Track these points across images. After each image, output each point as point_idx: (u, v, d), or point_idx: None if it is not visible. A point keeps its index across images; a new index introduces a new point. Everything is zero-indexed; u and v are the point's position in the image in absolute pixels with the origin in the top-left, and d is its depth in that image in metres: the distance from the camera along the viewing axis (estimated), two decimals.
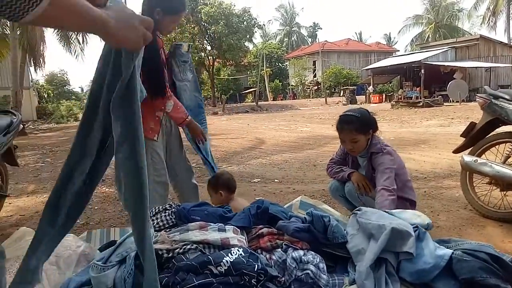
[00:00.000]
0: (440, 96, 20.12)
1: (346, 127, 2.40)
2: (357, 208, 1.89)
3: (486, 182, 2.98)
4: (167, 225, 1.77)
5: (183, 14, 2.45)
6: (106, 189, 4.47)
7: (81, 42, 20.30)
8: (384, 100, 26.36)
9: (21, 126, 3.37)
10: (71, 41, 20.33)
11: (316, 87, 38.81)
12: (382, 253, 1.49)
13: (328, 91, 34.63)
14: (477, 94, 3.05)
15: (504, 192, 2.91)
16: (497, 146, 3.04)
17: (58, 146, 9.53)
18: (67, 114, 22.62)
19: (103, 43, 1.10)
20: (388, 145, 2.52)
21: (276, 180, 4.70)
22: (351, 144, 2.43)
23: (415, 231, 1.53)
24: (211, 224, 1.66)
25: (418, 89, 22.54)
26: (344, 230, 1.77)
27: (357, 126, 2.37)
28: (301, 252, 1.60)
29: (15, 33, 14.88)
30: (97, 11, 0.84)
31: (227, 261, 1.33)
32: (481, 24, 37.05)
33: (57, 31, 18.60)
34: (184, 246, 1.47)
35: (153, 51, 2.21)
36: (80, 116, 25.11)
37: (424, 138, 7.92)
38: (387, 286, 1.39)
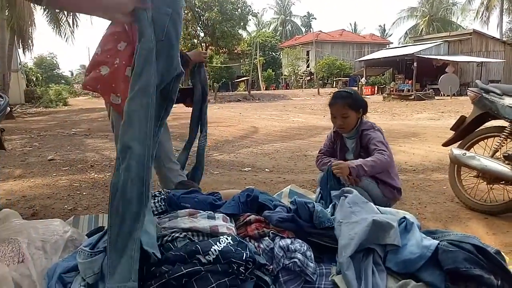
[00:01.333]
0: (432, 90, 20.26)
1: (339, 101, 2.50)
2: (344, 192, 1.90)
3: (474, 176, 3.02)
4: (156, 212, 1.76)
5: None
6: (95, 175, 4.43)
7: (71, 24, 19.83)
8: (376, 92, 26.46)
9: (8, 109, 3.30)
10: (61, 24, 19.84)
11: (309, 78, 38.72)
12: (370, 244, 1.51)
13: (321, 82, 34.56)
14: (469, 88, 3.07)
15: (491, 186, 2.95)
16: (485, 140, 3.07)
17: (46, 131, 9.39)
18: (56, 98, 22.23)
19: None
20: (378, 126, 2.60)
21: (266, 170, 4.71)
22: (341, 119, 2.50)
23: (402, 223, 1.55)
24: (201, 211, 1.65)
25: (410, 82, 22.67)
26: (332, 215, 1.77)
27: (350, 101, 2.48)
28: (288, 241, 1.60)
29: (4, 13, 14.48)
30: None
31: (215, 250, 1.33)
32: (474, 18, 37.26)
33: (47, 12, 18.10)
34: (173, 234, 1.46)
35: None
36: (69, 100, 24.61)
37: (415, 131, 7.98)
38: (373, 276, 1.41)
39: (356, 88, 27.15)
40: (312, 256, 1.56)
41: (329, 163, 2.64)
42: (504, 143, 2.88)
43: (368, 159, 2.32)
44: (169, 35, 1.21)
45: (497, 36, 30.06)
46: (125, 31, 2.15)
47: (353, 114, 2.49)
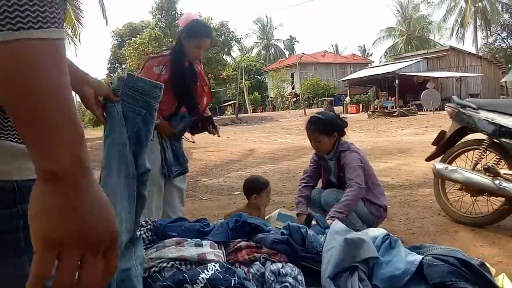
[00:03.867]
0: (415, 106, 20.72)
1: (311, 127, 2.61)
2: (329, 223, 1.94)
3: (457, 188, 3.08)
4: (143, 244, 1.75)
5: (206, 40, 2.58)
6: None
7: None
8: (361, 110, 26.91)
9: None
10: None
11: (294, 99, 39.27)
12: (349, 264, 1.57)
13: (306, 102, 35.06)
14: (446, 104, 3.17)
15: (475, 198, 3.01)
16: (466, 153, 3.15)
17: None
18: None
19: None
20: (355, 146, 2.68)
21: None
22: (315, 143, 2.61)
23: (386, 239, 1.57)
24: (188, 239, 1.65)
25: (393, 99, 23.16)
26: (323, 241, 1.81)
27: (320, 127, 2.57)
28: (279, 265, 1.61)
29: None
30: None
31: (203, 278, 1.32)
32: (450, 36, 38.63)
33: None
34: (160, 264, 1.45)
35: (180, 74, 2.47)
36: None
37: (400, 147, 8.11)
38: None
39: (341, 107, 27.68)
40: (303, 280, 1.57)
41: (297, 204, 2.69)
42: (483, 155, 2.95)
43: (340, 203, 2.36)
44: (138, 134, 1.15)
45: (473, 51, 31.17)
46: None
47: (325, 139, 2.56)
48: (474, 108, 2.93)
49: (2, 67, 0.44)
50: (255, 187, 2.64)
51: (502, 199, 2.82)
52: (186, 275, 1.32)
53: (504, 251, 2.46)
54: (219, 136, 2.84)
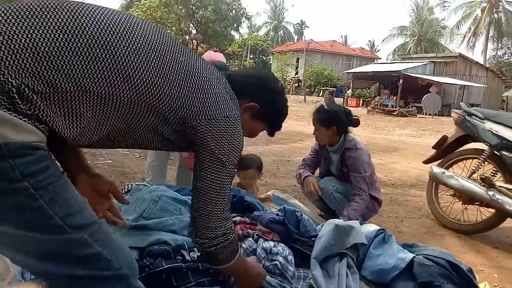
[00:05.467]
0: (415, 107, 20.72)
1: (314, 115, 2.60)
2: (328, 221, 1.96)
3: (450, 194, 3.11)
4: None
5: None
6: None
7: None
8: (361, 105, 26.86)
9: None
10: None
11: (296, 84, 39.01)
12: (338, 250, 1.61)
13: (308, 89, 34.88)
14: (453, 110, 3.17)
15: (465, 206, 3.05)
16: (464, 161, 3.17)
17: None
18: None
19: None
20: (361, 143, 2.65)
21: None
22: (315, 132, 2.61)
23: (381, 233, 1.59)
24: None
25: (394, 98, 23.10)
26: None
27: (321, 117, 2.55)
28: (272, 244, 1.62)
29: None
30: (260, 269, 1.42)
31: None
32: (461, 43, 38.37)
33: None
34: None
35: None
36: None
37: (396, 146, 8.15)
38: (347, 278, 1.46)
39: (341, 99, 27.59)
40: (293, 260, 1.59)
41: (301, 175, 2.70)
42: (481, 165, 2.98)
43: (351, 209, 2.40)
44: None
45: (481, 61, 31.05)
46: None
47: (322, 130, 2.53)
48: (480, 118, 2.93)
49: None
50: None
51: (492, 210, 2.86)
52: (185, 242, 1.33)
53: (487, 260, 2.51)
54: None
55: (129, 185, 1.75)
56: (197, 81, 1.02)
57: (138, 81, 0.91)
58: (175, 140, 1.04)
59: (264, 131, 1.34)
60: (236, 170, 1.13)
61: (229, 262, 1.12)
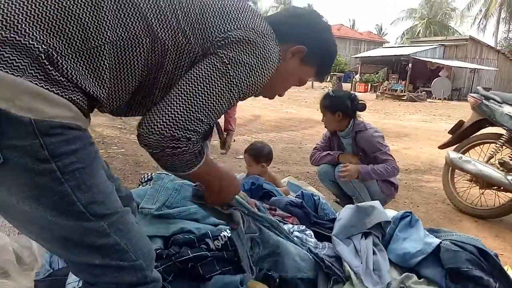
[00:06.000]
0: (424, 92, 20.44)
1: (321, 102, 2.63)
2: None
3: (467, 179, 3.08)
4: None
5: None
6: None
7: None
8: (369, 90, 26.57)
9: None
10: None
11: None
12: (360, 230, 1.61)
13: None
14: (469, 94, 3.11)
15: (483, 190, 3.02)
16: (481, 146, 3.13)
17: None
18: None
19: None
20: (370, 124, 2.65)
21: None
22: (323, 118, 2.64)
23: (407, 217, 1.58)
24: None
25: (403, 82, 22.81)
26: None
27: (326, 103, 2.58)
28: (290, 226, 1.63)
29: None
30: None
31: (224, 236, 1.33)
32: (471, 25, 37.58)
33: None
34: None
35: None
36: None
37: (407, 131, 8.07)
38: (375, 255, 1.46)
39: (349, 85, 27.31)
40: (313, 234, 1.60)
41: (328, 156, 2.67)
42: (499, 150, 2.94)
43: (378, 167, 2.40)
44: None
45: (492, 44, 30.39)
46: None
47: (329, 115, 2.56)
48: (498, 102, 2.87)
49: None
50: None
51: (511, 195, 2.83)
52: (208, 231, 1.33)
53: (507, 244, 2.50)
54: None
55: (150, 174, 1.75)
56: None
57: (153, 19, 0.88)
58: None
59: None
60: (241, 97, 0.97)
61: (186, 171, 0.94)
